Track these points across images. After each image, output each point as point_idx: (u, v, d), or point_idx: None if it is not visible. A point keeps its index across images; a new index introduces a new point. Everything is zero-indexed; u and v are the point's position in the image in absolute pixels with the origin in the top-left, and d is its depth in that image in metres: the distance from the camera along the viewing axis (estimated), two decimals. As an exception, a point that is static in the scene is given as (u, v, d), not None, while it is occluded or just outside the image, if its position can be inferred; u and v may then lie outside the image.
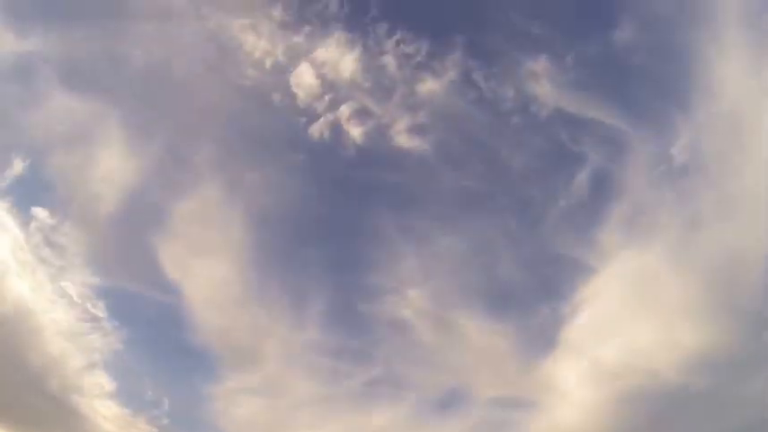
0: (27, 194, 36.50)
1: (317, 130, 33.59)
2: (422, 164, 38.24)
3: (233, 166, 38.32)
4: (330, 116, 34.44)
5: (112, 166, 37.12)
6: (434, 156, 38.33)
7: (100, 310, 40.85)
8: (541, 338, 38.80)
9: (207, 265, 40.83)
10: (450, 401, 42.93)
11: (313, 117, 34.54)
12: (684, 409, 26.13)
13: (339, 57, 29.59)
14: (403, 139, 36.41)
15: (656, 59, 29.17)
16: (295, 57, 30.30)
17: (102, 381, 41.65)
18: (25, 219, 38.70)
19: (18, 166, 37.64)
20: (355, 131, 34.27)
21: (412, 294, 40.94)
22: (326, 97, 32.72)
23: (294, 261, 43.32)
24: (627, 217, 32.94)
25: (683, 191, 30.99)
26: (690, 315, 27.67)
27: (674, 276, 28.93)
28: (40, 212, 40.85)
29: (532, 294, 43.07)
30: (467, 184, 40.70)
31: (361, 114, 36.31)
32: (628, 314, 29.62)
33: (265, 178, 39.07)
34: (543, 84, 33.48)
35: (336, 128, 34.82)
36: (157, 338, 42.97)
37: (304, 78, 29.40)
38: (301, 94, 30.47)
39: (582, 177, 36.06)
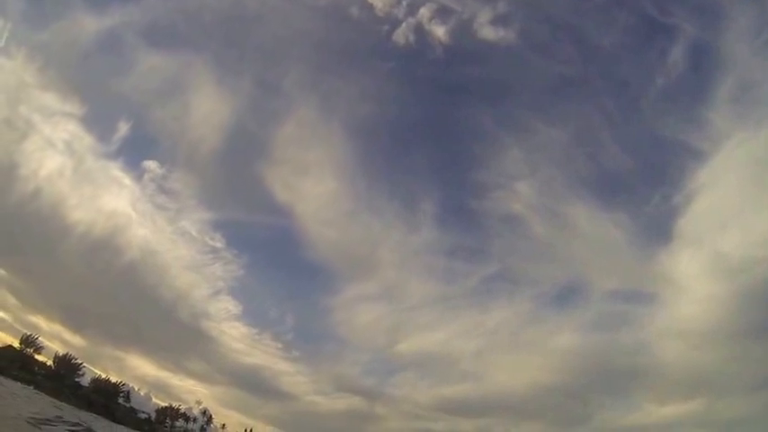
0: (136, 151, 40.91)
1: (401, 35, 33.30)
2: (510, 54, 36.72)
3: (322, 84, 39.36)
4: (411, 20, 33.82)
5: (208, 109, 39.95)
6: (521, 44, 36.54)
7: (218, 242, 45.93)
8: (655, 229, 37.28)
9: (314, 182, 43.25)
10: (567, 296, 43.06)
11: (394, 24, 34.16)
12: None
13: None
14: (487, 32, 34.87)
15: None
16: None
17: (228, 305, 47.23)
18: (138, 173, 43.96)
19: (123, 128, 42.13)
20: (439, 31, 33.60)
21: (520, 187, 40.60)
22: (404, 2, 32.08)
23: (398, 166, 44.56)
24: (735, 93, 29.59)
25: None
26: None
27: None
28: (150, 165, 46.06)
29: (641, 181, 41.10)
30: (558, 70, 38.76)
31: (442, 13, 35.15)
32: (748, 202, 26.97)
33: (357, 90, 39.71)
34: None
35: (419, 30, 34.22)
36: (275, 259, 47.72)
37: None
38: (378, 3, 30.28)
39: (677, 52, 32.90)
